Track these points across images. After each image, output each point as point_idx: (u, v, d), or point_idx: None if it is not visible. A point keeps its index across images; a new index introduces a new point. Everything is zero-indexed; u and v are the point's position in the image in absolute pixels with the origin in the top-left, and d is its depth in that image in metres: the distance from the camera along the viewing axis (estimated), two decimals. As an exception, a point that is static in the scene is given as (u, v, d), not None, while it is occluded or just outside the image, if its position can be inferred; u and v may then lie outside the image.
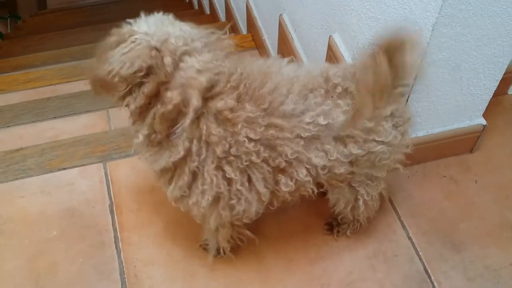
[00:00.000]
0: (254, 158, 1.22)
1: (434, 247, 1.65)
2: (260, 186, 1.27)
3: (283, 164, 1.25)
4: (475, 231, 1.68)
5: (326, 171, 1.28)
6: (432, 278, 1.59)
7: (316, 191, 1.34)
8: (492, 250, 1.64)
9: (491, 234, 1.67)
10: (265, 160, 1.24)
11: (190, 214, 1.38)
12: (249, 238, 1.53)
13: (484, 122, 1.77)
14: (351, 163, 1.32)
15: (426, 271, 1.60)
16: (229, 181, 1.25)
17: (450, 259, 1.62)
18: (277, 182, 1.29)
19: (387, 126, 1.28)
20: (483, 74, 1.56)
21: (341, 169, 1.29)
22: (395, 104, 1.28)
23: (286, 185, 1.28)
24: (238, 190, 1.26)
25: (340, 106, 1.24)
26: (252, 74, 1.24)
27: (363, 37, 1.63)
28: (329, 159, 1.26)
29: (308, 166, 1.26)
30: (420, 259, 1.63)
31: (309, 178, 1.28)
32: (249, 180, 1.26)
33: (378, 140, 1.28)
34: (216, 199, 1.28)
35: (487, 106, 1.73)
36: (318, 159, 1.25)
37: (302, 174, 1.27)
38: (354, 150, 1.27)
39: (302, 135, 1.22)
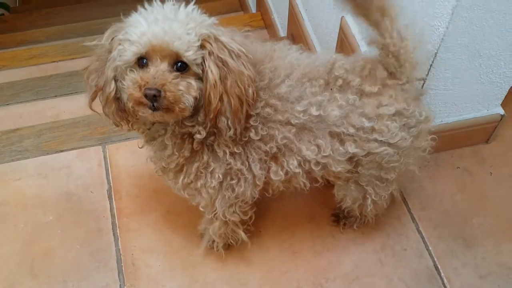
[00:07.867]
0: (252, 134, 1.20)
1: (445, 242, 1.58)
2: (255, 168, 1.24)
3: (274, 149, 1.22)
4: (489, 226, 1.61)
5: (319, 167, 1.24)
6: (442, 274, 1.52)
7: (308, 185, 1.31)
8: (507, 247, 1.57)
9: (506, 230, 1.60)
10: (262, 139, 1.21)
11: (193, 201, 1.35)
12: (242, 240, 1.50)
13: (502, 111, 1.69)
14: (352, 162, 1.26)
15: (436, 267, 1.54)
16: (234, 157, 1.23)
17: (461, 255, 1.56)
18: (268, 170, 1.27)
19: (392, 126, 1.20)
20: (504, 61, 1.49)
21: (338, 167, 1.24)
22: (403, 103, 1.21)
23: (276, 174, 1.26)
24: (238, 169, 1.24)
25: (337, 100, 1.19)
26: (254, 52, 1.20)
27: (377, 19, 1.54)
28: (322, 155, 1.22)
29: (299, 158, 1.23)
30: (430, 254, 1.56)
31: (299, 170, 1.25)
32: (247, 160, 1.24)
33: (381, 141, 1.21)
34: (223, 178, 1.26)
35: (505, 96, 1.65)
36: (309, 152, 1.22)
37: (292, 165, 1.24)
38: (352, 149, 1.21)
39: (292, 122, 1.19)
